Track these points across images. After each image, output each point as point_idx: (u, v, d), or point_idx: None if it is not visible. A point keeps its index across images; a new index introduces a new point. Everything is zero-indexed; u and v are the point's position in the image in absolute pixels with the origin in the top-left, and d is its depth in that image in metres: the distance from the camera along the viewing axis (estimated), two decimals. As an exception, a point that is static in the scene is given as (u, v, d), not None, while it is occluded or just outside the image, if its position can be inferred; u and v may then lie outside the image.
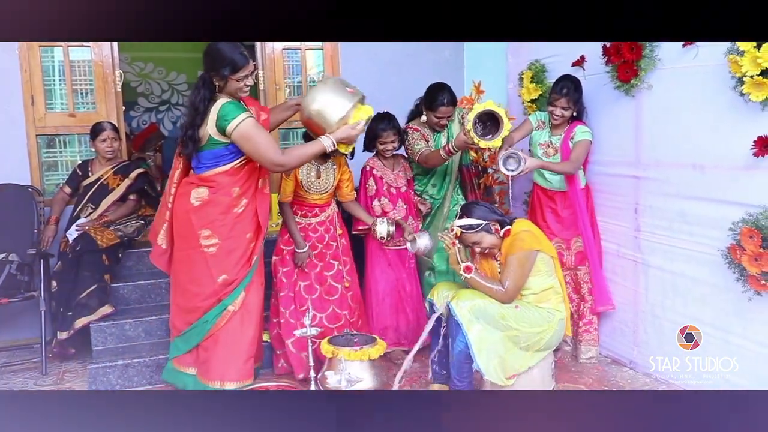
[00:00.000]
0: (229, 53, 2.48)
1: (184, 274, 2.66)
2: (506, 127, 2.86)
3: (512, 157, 3.01)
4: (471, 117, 2.89)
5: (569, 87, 3.13)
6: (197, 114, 2.51)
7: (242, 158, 2.60)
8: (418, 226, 3.43)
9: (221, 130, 2.49)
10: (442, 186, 3.53)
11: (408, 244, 3.22)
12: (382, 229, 3.13)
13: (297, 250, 3.09)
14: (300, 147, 2.70)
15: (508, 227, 2.69)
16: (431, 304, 2.79)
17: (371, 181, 3.37)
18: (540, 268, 2.66)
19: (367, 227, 3.30)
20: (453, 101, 3.26)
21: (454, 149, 3.07)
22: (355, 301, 3.23)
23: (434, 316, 2.73)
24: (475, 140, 2.88)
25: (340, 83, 2.70)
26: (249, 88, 2.58)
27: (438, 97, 3.23)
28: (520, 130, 3.38)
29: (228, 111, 2.48)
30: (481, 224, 2.66)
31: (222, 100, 2.51)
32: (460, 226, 2.68)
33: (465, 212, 2.73)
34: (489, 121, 2.94)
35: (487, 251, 2.72)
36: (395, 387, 2.76)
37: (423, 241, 3.14)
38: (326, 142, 2.59)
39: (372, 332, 3.10)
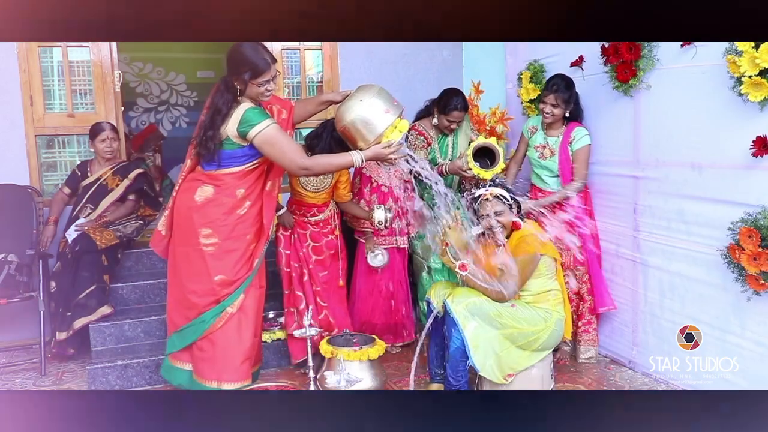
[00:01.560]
0: (251, 57, 2.46)
1: (182, 270, 2.65)
2: (500, 165, 3.05)
3: None
4: (472, 146, 3.09)
5: (559, 84, 3.15)
6: (219, 115, 2.50)
7: (254, 162, 2.60)
8: (405, 227, 3.50)
9: (242, 135, 2.49)
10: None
11: (368, 258, 3.36)
12: (380, 214, 3.16)
13: (276, 214, 3.12)
14: (328, 156, 2.72)
15: (519, 220, 2.71)
16: (428, 303, 2.80)
17: (357, 179, 3.45)
18: (541, 270, 2.67)
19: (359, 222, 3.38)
20: (465, 107, 3.38)
21: (446, 172, 3.28)
22: (337, 300, 3.24)
23: (432, 315, 2.74)
24: (472, 166, 3.06)
25: (380, 97, 2.57)
26: (271, 92, 2.57)
27: (452, 101, 3.32)
28: (520, 148, 3.50)
29: (251, 117, 2.47)
30: (509, 200, 2.70)
31: (245, 105, 2.50)
32: (495, 195, 2.69)
33: (500, 185, 2.76)
34: (487, 155, 3.13)
35: (497, 230, 2.70)
36: (410, 388, 2.81)
37: (379, 258, 3.35)
38: (356, 158, 2.55)
39: (348, 325, 3.16)
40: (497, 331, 2.60)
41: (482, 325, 2.58)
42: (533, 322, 2.64)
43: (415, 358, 2.77)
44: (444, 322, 2.73)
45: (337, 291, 3.23)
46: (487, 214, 2.70)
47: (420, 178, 2.93)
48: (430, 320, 2.75)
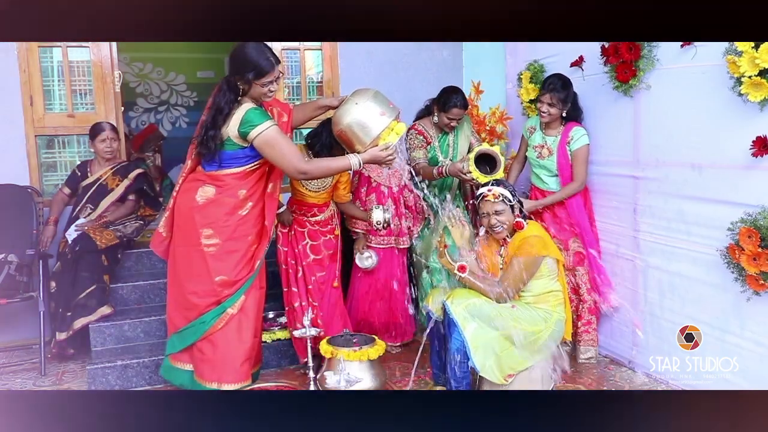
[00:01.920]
0: (255, 58, 2.45)
1: (183, 270, 2.65)
2: (499, 174, 3.07)
3: None
4: (475, 150, 3.12)
5: (555, 84, 3.17)
6: (221, 115, 2.50)
7: (255, 163, 2.59)
8: (414, 229, 3.53)
9: (243, 135, 2.49)
10: (442, 189, 3.56)
11: (357, 258, 3.38)
12: (378, 214, 3.18)
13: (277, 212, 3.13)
14: (326, 160, 2.72)
15: (521, 220, 2.71)
16: (427, 311, 2.80)
17: (355, 178, 3.47)
18: (543, 271, 2.66)
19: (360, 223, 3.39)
20: (465, 104, 3.39)
21: (445, 173, 3.26)
22: (331, 301, 3.23)
23: (431, 322, 2.74)
24: (472, 170, 3.08)
25: (375, 100, 2.59)
26: (273, 93, 2.57)
27: (452, 99, 3.34)
28: (521, 148, 3.53)
29: (252, 117, 2.47)
30: (512, 201, 2.70)
31: (246, 105, 2.50)
32: (497, 194, 2.69)
33: (502, 184, 2.76)
34: (488, 162, 3.14)
35: (498, 229, 2.71)
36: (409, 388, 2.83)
37: (369, 261, 3.38)
38: (353, 161, 2.56)
39: (347, 325, 3.16)
40: (497, 331, 2.60)
41: (482, 326, 2.58)
42: (533, 323, 2.64)
43: (416, 361, 2.77)
44: (444, 324, 2.73)
45: (331, 292, 3.22)
46: (487, 213, 2.70)
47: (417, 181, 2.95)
48: (430, 325, 2.75)
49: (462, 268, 2.67)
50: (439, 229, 3.46)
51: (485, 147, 3.13)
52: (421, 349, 2.81)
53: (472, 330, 2.56)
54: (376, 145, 2.56)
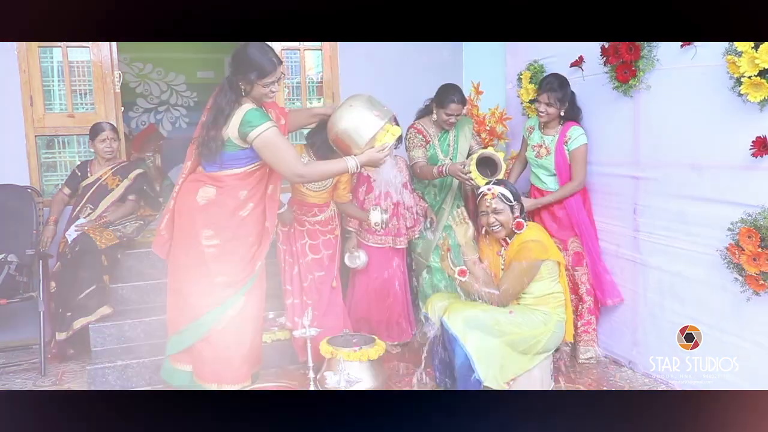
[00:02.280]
0: (257, 58, 2.45)
1: (183, 271, 2.65)
2: (500, 176, 3.06)
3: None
4: (479, 152, 3.15)
5: (552, 83, 3.18)
6: (222, 115, 2.50)
7: (256, 164, 2.59)
8: (414, 228, 3.53)
9: (243, 136, 2.49)
10: (441, 189, 3.55)
11: (346, 257, 3.38)
12: (376, 216, 3.17)
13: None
14: (323, 163, 2.72)
15: (522, 220, 2.71)
16: (426, 318, 2.79)
17: (354, 177, 3.45)
18: (543, 274, 2.66)
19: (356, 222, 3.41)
20: (463, 100, 3.40)
21: (445, 172, 3.26)
22: (329, 301, 3.22)
23: (431, 331, 2.74)
24: (472, 170, 3.09)
25: (369, 103, 2.61)
26: (275, 94, 2.56)
27: (449, 95, 3.36)
28: (522, 149, 3.55)
29: (253, 118, 2.46)
30: (512, 201, 2.70)
31: (247, 106, 2.50)
32: (496, 193, 2.70)
33: (503, 184, 2.76)
34: (489, 166, 3.15)
35: (496, 228, 2.70)
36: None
37: (358, 261, 3.38)
38: (350, 164, 2.56)
39: (346, 325, 3.16)
40: (498, 339, 2.59)
41: (482, 336, 2.56)
42: (533, 326, 2.63)
43: (421, 366, 2.78)
44: (444, 336, 2.69)
45: (330, 292, 3.22)
46: (486, 212, 2.70)
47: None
48: (429, 336, 2.75)
49: (462, 273, 2.66)
50: (440, 227, 3.46)
51: (489, 151, 3.14)
52: (425, 350, 2.80)
53: (473, 341, 2.55)
54: (373, 147, 2.56)
